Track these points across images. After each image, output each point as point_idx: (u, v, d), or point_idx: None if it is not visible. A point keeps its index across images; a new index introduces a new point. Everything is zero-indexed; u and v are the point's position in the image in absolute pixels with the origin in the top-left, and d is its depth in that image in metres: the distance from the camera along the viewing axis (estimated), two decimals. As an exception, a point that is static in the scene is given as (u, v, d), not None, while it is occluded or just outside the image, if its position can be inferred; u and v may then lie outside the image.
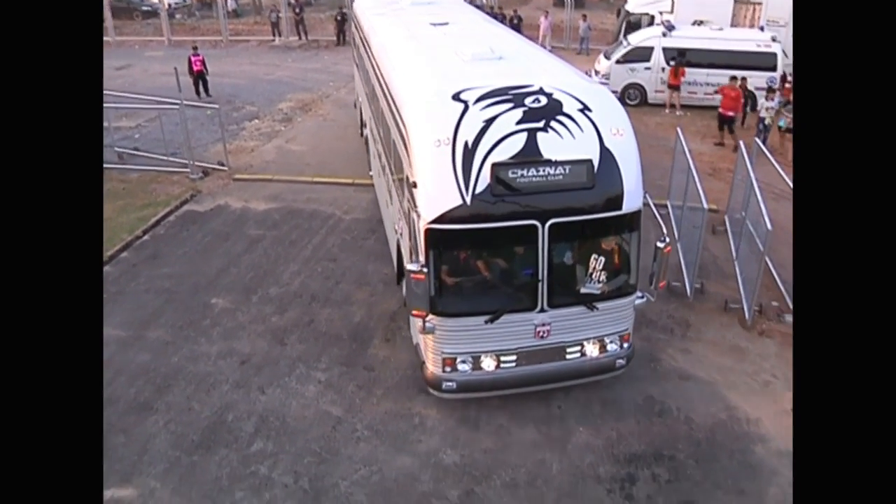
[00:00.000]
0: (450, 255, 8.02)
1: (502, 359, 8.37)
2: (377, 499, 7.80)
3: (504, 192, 7.49)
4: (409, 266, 7.67)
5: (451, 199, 7.46)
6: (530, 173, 7.47)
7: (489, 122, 7.66)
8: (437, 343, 8.24)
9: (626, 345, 8.90)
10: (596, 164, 7.66)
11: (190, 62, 22.52)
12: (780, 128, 18.93)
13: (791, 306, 11.26)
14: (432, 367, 8.47)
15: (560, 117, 7.80)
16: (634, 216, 8.07)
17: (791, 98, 19.13)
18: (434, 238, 7.65)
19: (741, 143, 14.39)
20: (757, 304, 11.24)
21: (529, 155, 7.52)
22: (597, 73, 23.53)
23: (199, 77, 22.75)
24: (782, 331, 10.93)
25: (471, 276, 8.21)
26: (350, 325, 10.93)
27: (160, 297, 11.54)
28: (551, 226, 7.67)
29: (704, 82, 22.68)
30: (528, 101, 7.89)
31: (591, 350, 8.61)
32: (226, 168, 17.07)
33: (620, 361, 8.90)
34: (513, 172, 7.46)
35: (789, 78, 22.41)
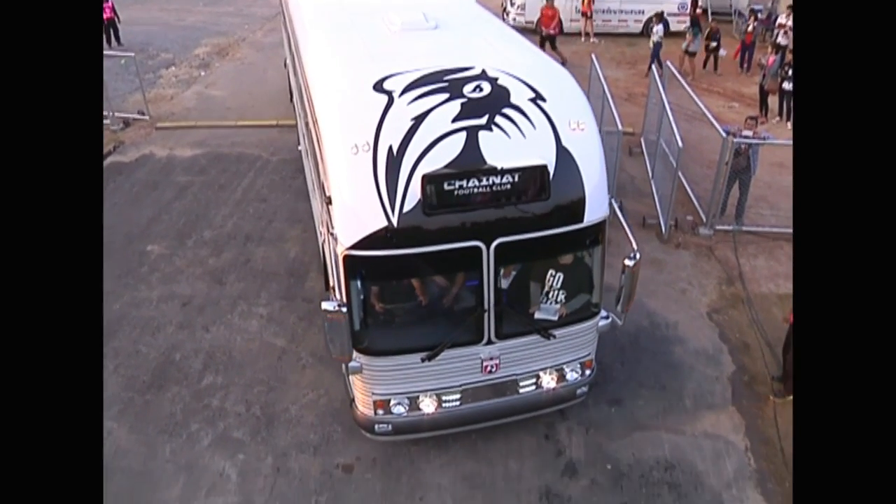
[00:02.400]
0: (375, 286, 6.64)
1: (444, 398, 7.14)
2: (327, 419, 8.23)
3: (439, 208, 6.00)
4: (324, 304, 6.09)
5: (373, 219, 5.98)
6: (471, 184, 5.96)
7: (419, 119, 6.15)
8: (365, 384, 7.00)
9: (588, 371, 7.65)
10: (552, 169, 6.16)
11: (98, 9, 21.76)
12: (685, 52, 19.71)
13: (704, 219, 12.03)
14: (362, 408, 7.24)
15: (507, 110, 6.32)
16: (598, 227, 6.65)
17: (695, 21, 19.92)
18: (354, 266, 6.24)
19: (653, 67, 14.99)
20: (672, 218, 11.95)
21: (469, 162, 6.00)
22: (513, 4, 23.77)
23: (110, 24, 22.01)
24: (696, 242, 11.71)
25: (402, 309, 6.93)
26: (286, 261, 11.20)
27: (94, 247, 11.50)
28: (498, 246, 6.27)
29: (618, 10, 23.24)
30: (467, 89, 6.41)
31: (548, 381, 7.36)
32: (147, 117, 16.81)
33: (582, 390, 7.73)
34: (449, 184, 5.94)
35: (700, 3, 23.21)
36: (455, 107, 6.25)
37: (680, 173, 12.02)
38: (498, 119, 6.24)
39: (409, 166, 5.96)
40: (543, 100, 6.48)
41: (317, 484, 7.52)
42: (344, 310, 6.07)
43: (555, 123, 6.36)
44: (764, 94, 17.08)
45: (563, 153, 6.27)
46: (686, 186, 12.95)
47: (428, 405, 7.10)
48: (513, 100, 6.42)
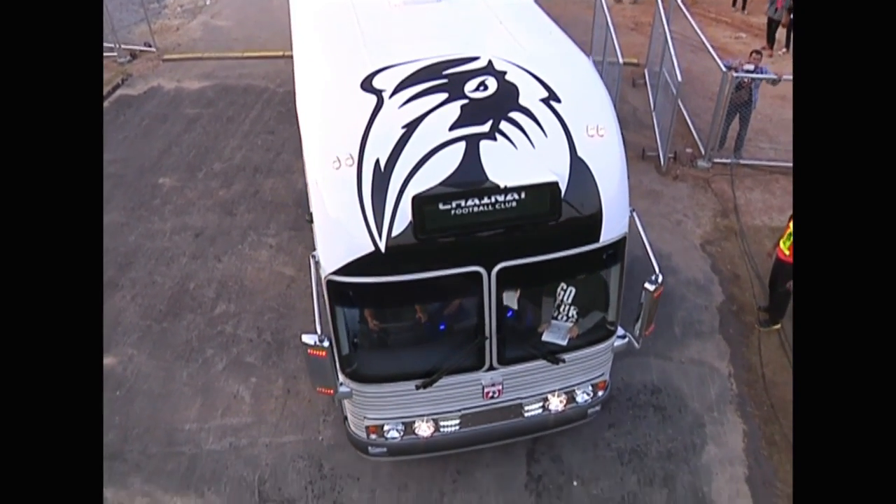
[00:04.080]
0: (363, 312, 6.15)
1: (442, 423, 6.62)
2: (334, 345, 8.71)
3: (432, 232, 5.22)
4: (304, 337, 5.65)
5: (358, 244, 5.26)
6: (470, 204, 5.13)
7: (411, 127, 5.39)
8: (356, 408, 6.51)
9: (600, 392, 7.02)
10: (564, 184, 5.30)
11: (100, -64, 21.51)
12: None
13: (703, 152, 12.23)
14: (355, 429, 6.78)
15: (514, 114, 5.52)
16: (616, 246, 5.86)
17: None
18: (340, 292, 5.61)
19: (658, -2, 14.93)
20: (671, 151, 12.15)
21: (468, 178, 5.18)
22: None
23: (113, -48, 21.83)
24: (694, 175, 11.94)
25: (394, 335, 6.46)
26: (294, 192, 11.51)
27: (108, 181, 11.83)
28: (501, 271, 5.55)
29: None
30: (469, 87, 5.65)
31: (556, 404, 6.75)
32: (153, 49, 16.88)
33: (594, 409, 7.13)
34: (444, 205, 5.11)
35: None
36: (454, 110, 5.51)
37: (682, 105, 12.17)
38: (503, 125, 5.47)
39: (399, 184, 5.22)
40: (558, 100, 5.67)
41: (325, 405, 8.01)
42: (326, 344, 5.63)
43: (570, 130, 5.54)
44: (772, 26, 16.95)
45: (577, 165, 5.46)
46: (687, 119, 13.10)
47: (424, 430, 6.61)
48: (522, 101, 5.63)
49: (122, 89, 15.28)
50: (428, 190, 5.12)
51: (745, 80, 11.50)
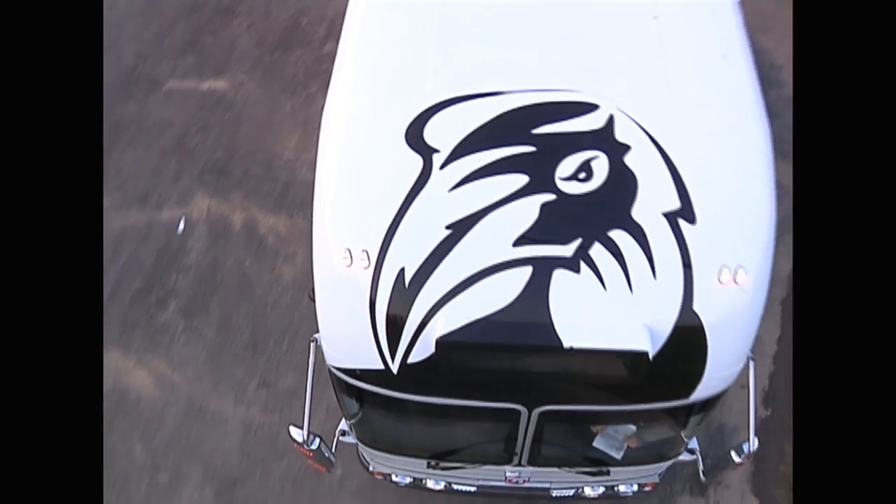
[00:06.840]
0: (369, 411, 4.62)
1: (456, 486, 5.48)
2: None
3: (460, 373, 3.73)
4: (292, 430, 4.45)
5: (366, 357, 3.88)
6: (515, 355, 3.73)
7: (461, 229, 3.66)
8: (364, 453, 5.42)
9: (647, 488, 5.47)
10: (657, 349, 3.54)
11: None
12: None
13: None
14: (363, 458, 5.63)
15: (618, 234, 3.65)
16: (709, 400, 4.12)
17: None
18: (343, 386, 4.30)
19: None
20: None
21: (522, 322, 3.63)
22: None
23: None
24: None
25: (405, 431, 4.98)
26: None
27: None
28: (545, 412, 4.09)
29: None
30: (565, 168, 3.80)
31: (591, 493, 5.35)
32: None
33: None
34: (476, 354, 3.67)
35: None
36: (531, 210, 3.69)
37: None
38: (595, 250, 3.62)
39: (425, 310, 3.63)
40: (691, 219, 3.70)
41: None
42: (315, 446, 4.51)
43: (693, 271, 3.63)
44: None
45: (686, 322, 3.60)
46: None
47: (435, 486, 5.54)
48: (636, 211, 3.71)
49: None
50: (461, 329, 3.51)
51: None
